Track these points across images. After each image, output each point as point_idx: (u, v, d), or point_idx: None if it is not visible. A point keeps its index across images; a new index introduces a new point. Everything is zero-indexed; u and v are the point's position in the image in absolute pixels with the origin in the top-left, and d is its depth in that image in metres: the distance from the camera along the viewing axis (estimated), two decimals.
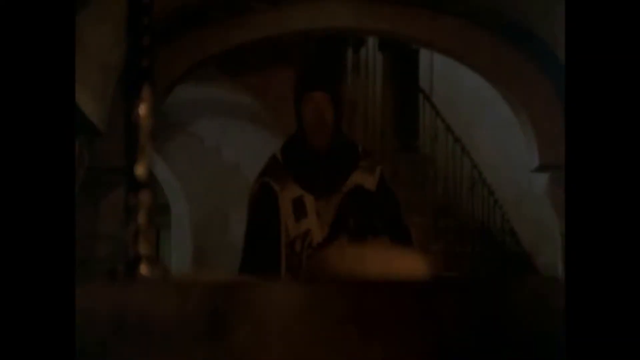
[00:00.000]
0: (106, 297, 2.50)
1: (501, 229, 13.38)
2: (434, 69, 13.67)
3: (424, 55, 13.49)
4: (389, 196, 5.77)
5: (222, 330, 2.45)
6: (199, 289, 2.55)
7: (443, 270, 9.20)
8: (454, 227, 13.22)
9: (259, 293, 2.54)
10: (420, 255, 3.56)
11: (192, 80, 9.24)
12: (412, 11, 8.93)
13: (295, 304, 2.50)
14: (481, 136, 13.33)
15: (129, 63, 2.70)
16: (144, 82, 2.68)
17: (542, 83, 8.89)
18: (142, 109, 2.68)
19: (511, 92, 9.34)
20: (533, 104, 9.16)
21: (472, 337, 2.48)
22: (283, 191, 5.60)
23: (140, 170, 2.66)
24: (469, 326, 2.48)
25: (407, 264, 3.69)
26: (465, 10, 8.72)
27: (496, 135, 12.25)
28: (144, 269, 2.61)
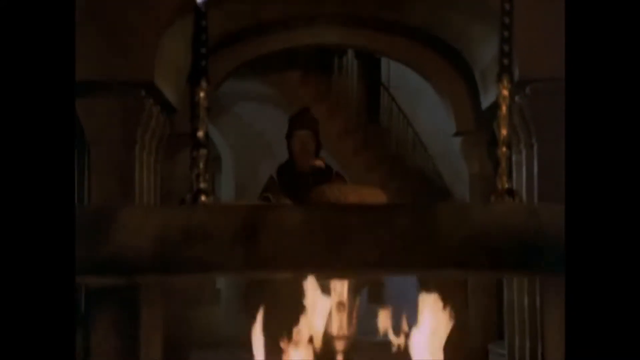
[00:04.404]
0: (179, 215, 2.49)
1: (432, 173, 13.39)
2: (391, 70, 13.62)
3: (384, 61, 13.42)
4: None
5: (253, 238, 2.44)
6: (239, 210, 2.53)
7: (395, 200, 9.20)
8: (402, 172, 13.22)
9: (278, 212, 2.53)
10: (382, 191, 3.55)
11: (235, 76, 9.18)
12: (376, 33, 8.87)
13: (303, 220, 2.49)
14: (421, 114, 13.29)
15: (193, 65, 2.69)
16: (202, 77, 2.67)
17: (458, 79, 8.85)
18: (202, 95, 2.67)
19: (438, 85, 9.28)
20: (452, 93, 9.11)
21: (415, 239, 2.47)
22: (278, 203, 5.12)
23: (200, 134, 2.65)
24: (413, 233, 2.47)
25: (373, 196, 3.69)
26: (411, 33, 8.67)
27: (430, 113, 12.18)
28: (203, 198, 2.61)
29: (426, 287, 2.93)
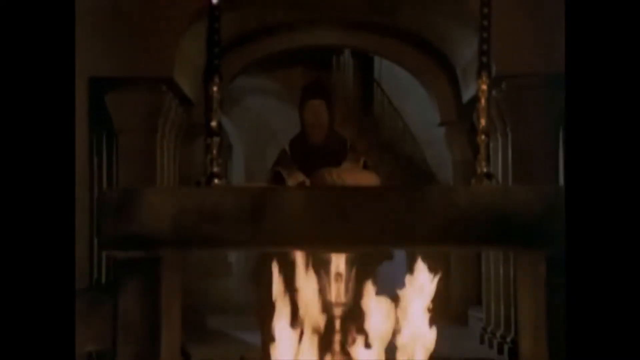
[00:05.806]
0: (194, 196, 2.48)
1: (419, 159, 13.36)
2: (382, 67, 13.58)
3: (377, 59, 13.38)
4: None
5: (260, 216, 2.43)
6: (248, 192, 2.52)
7: (387, 182, 9.21)
8: (393, 159, 13.19)
9: (283, 194, 2.52)
10: (375, 175, 3.54)
11: (245, 73, 9.14)
12: (370, 35, 8.85)
13: (304, 200, 2.48)
14: (409, 106, 13.25)
15: (207, 63, 2.67)
16: (215, 73, 2.65)
17: (441, 76, 8.83)
18: (215, 90, 2.66)
19: (425, 81, 9.26)
20: (437, 88, 9.08)
21: (405, 217, 2.46)
22: (290, 177, 4.29)
23: (214, 124, 2.64)
24: (404, 212, 2.46)
25: (368, 179, 3.67)
26: (400, 35, 8.64)
27: (418, 106, 12.15)
28: (216, 181, 2.59)
29: (413, 259, 2.93)
